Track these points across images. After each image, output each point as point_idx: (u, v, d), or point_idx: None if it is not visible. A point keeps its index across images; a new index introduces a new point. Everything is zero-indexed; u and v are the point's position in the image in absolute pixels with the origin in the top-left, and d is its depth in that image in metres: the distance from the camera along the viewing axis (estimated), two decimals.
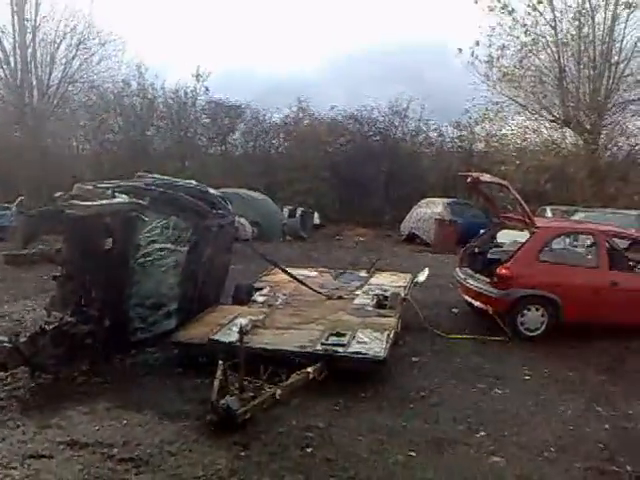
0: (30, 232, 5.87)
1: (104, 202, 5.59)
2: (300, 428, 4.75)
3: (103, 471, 3.99)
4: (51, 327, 5.46)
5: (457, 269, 9.20)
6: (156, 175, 7.95)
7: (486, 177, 8.77)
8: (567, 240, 8.71)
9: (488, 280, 8.09)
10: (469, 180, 8.46)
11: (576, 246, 8.83)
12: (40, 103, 23.20)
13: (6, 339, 5.25)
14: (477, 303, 8.22)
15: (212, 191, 8.15)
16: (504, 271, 7.80)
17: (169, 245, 6.62)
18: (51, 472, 3.98)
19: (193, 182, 8.11)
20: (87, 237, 5.74)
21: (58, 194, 5.63)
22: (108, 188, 6.06)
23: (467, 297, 8.61)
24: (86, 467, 4.03)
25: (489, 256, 8.94)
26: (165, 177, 7.92)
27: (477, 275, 8.51)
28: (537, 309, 7.77)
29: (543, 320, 7.77)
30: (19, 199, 5.22)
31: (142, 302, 6.42)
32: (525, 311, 7.77)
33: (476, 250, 9.25)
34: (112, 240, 5.81)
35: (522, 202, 8.12)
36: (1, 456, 4.19)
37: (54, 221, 5.49)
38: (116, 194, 5.94)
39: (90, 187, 5.96)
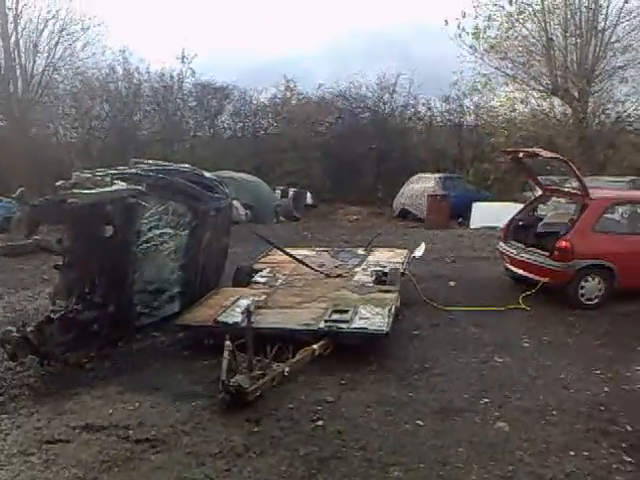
0: (34, 222, 5.90)
1: (104, 190, 5.62)
2: (310, 403, 4.87)
3: (121, 452, 4.09)
4: (57, 315, 5.50)
5: (501, 243, 9.43)
6: (150, 161, 7.95)
7: (545, 153, 9.11)
8: (620, 210, 9.02)
9: (545, 253, 8.25)
10: (522, 155, 8.83)
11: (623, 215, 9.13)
12: (25, 92, 22.88)
13: (14, 329, 5.31)
14: (532, 275, 8.39)
15: (208, 175, 8.17)
16: (565, 244, 7.98)
17: (169, 230, 6.69)
18: (70, 456, 4.07)
19: (188, 166, 8.12)
20: (88, 225, 5.78)
21: (59, 183, 5.65)
22: (106, 175, 6.08)
23: (517, 269, 8.80)
24: (104, 449, 4.13)
25: (540, 230, 9.13)
26: (160, 162, 7.93)
27: (530, 248, 8.67)
28: (594, 279, 7.98)
29: (600, 288, 8.00)
30: (19, 190, 5.21)
31: (145, 287, 6.50)
32: (584, 282, 7.98)
33: (520, 224, 9.44)
34: (113, 227, 5.85)
35: (579, 175, 8.36)
36: (19, 443, 4.27)
37: (57, 210, 5.51)
38: (114, 181, 5.97)
39: (89, 175, 5.98)
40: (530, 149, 9.28)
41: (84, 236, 5.89)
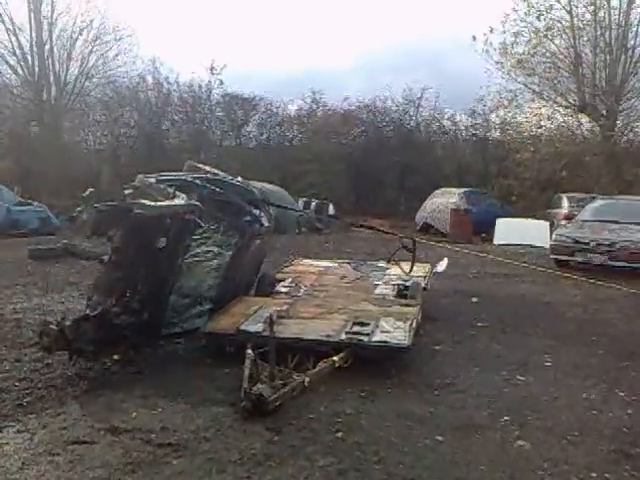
0: (98, 226, 6.00)
1: (169, 203, 5.71)
2: (329, 414, 4.89)
3: (144, 455, 4.15)
4: (94, 313, 5.60)
5: None
6: (207, 167, 7.74)
7: None
8: None
9: None
10: None
11: None
12: (58, 99, 23.47)
13: (55, 322, 5.42)
14: None
15: (256, 191, 8.15)
16: None
17: (215, 248, 6.76)
18: (94, 457, 4.14)
19: (240, 180, 8.02)
20: (143, 233, 5.84)
21: (127, 192, 5.71)
22: (167, 181, 6.18)
23: None
24: (128, 451, 4.19)
25: None
26: (216, 171, 7.69)
27: None
28: None
29: None
30: (89, 190, 5.31)
31: (179, 299, 6.53)
32: None
33: None
34: (166, 239, 5.90)
35: None
36: (45, 443, 4.36)
37: (121, 218, 5.62)
38: (176, 193, 6.00)
39: (152, 181, 6.05)
40: None
41: (136, 242, 5.90)
